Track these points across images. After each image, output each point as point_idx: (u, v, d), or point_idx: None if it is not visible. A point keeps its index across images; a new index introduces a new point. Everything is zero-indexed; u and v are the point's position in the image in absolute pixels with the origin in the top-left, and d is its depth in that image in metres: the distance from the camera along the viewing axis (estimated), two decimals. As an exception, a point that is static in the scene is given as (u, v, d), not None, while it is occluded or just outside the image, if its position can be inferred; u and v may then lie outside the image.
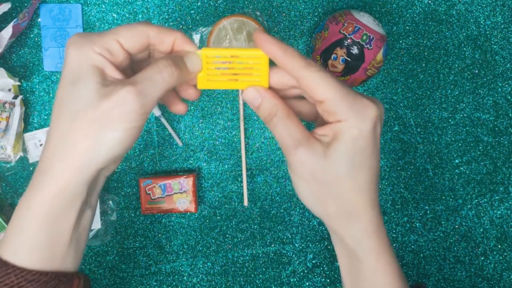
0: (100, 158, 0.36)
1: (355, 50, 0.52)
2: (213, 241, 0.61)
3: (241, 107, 0.59)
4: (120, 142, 0.36)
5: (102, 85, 0.35)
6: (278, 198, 0.61)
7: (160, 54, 0.40)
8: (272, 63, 0.40)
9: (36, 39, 0.59)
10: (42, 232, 0.37)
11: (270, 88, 0.40)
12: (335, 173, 0.37)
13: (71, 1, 0.59)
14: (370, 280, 0.40)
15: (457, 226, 0.62)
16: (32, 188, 0.37)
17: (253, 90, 0.39)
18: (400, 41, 0.60)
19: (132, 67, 0.40)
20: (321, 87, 0.36)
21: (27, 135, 0.59)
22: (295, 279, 0.62)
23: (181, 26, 0.59)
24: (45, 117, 0.60)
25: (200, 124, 0.60)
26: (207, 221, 0.61)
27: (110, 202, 0.60)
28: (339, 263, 0.42)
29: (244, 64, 0.40)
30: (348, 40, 0.52)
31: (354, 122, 0.36)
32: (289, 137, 0.37)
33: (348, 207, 0.38)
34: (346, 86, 0.37)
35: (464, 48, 0.61)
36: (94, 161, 0.36)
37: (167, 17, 0.59)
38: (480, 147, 0.61)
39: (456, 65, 0.61)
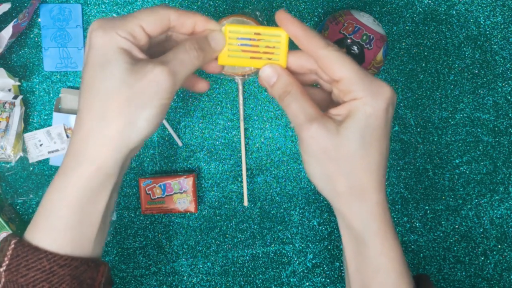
0: (135, 137, 0.36)
1: (355, 50, 0.52)
2: (213, 241, 0.61)
3: (241, 107, 0.59)
4: (152, 120, 0.37)
5: (133, 65, 0.36)
6: (278, 198, 0.61)
7: (180, 35, 0.41)
8: (292, 47, 0.41)
9: (36, 39, 0.59)
10: (74, 216, 0.37)
11: (288, 69, 0.41)
12: (347, 150, 0.37)
13: (71, 1, 0.59)
14: (374, 263, 0.40)
15: (457, 226, 0.62)
16: (65, 171, 0.37)
17: (270, 68, 0.40)
18: (400, 41, 0.60)
19: (150, 49, 0.40)
20: (339, 66, 0.37)
21: (27, 135, 0.59)
22: (295, 279, 0.62)
23: (181, 26, 0.60)
24: (45, 117, 0.60)
25: (200, 124, 0.60)
26: (207, 221, 0.61)
27: (110, 202, 0.60)
28: (344, 247, 0.41)
29: (265, 42, 0.41)
30: (348, 40, 0.52)
31: (369, 100, 0.37)
32: (303, 114, 0.38)
33: (358, 185, 0.38)
34: (362, 68, 0.38)
35: (464, 48, 0.61)
36: (130, 140, 0.36)
37: (167, 17, 0.59)
38: (480, 147, 0.61)
39: (456, 65, 0.61)
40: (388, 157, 0.40)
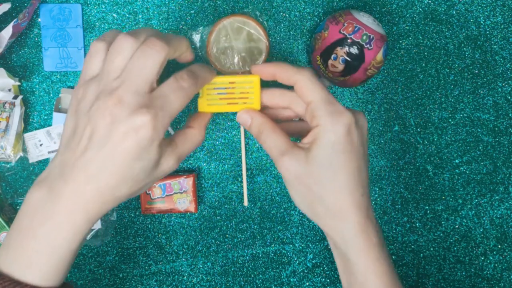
0: (123, 199, 0.41)
1: (355, 50, 0.52)
2: (213, 241, 0.61)
3: (241, 107, 0.59)
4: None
5: (159, 158, 0.40)
6: (278, 198, 0.61)
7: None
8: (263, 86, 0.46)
9: (36, 39, 0.59)
10: (55, 256, 0.39)
11: (265, 108, 0.46)
12: (317, 175, 0.41)
13: (71, 1, 0.59)
14: (361, 279, 0.42)
15: (457, 226, 0.62)
16: (54, 213, 0.39)
17: (244, 113, 0.45)
18: (400, 41, 0.60)
19: None
20: (309, 89, 0.41)
21: (27, 135, 0.59)
22: (295, 279, 0.62)
23: (181, 26, 0.60)
24: (45, 117, 0.60)
25: (200, 124, 0.60)
26: (207, 221, 0.61)
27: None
28: (336, 264, 0.44)
29: (239, 89, 0.46)
30: (348, 40, 0.52)
31: (329, 127, 0.40)
32: (275, 148, 0.42)
33: (332, 208, 0.41)
34: (330, 94, 0.42)
35: (464, 48, 0.61)
36: (120, 201, 0.41)
37: (167, 17, 0.59)
38: (480, 147, 0.61)
39: (456, 65, 0.61)
40: (366, 175, 0.42)
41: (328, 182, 0.41)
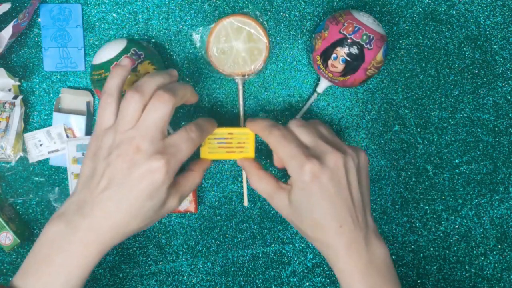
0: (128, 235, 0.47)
1: (355, 50, 0.52)
2: (213, 241, 0.61)
3: (241, 107, 0.59)
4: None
5: (167, 198, 0.46)
6: (278, 198, 0.61)
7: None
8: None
9: (36, 39, 0.59)
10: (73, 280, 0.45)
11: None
12: (297, 214, 0.48)
13: (71, 1, 0.59)
14: None
15: (457, 226, 0.62)
16: (70, 250, 0.44)
17: (239, 162, 0.54)
18: (400, 41, 0.60)
19: None
20: (278, 149, 0.49)
21: (27, 135, 0.59)
22: (295, 279, 0.62)
23: (181, 26, 0.60)
24: (45, 117, 0.60)
25: (200, 124, 0.60)
26: (207, 221, 0.61)
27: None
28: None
29: (237, 139, 0.53)
30: (348, 40, 0.52)
31: (296, 177, 0.47)
32: (264, 192, 0.51)
33: (314, 239, 0.49)
34: (296, 146, 0.48)
35: (464, 48, 0.61)
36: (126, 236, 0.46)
37: (167, 17, 0.59)
38: (480, 147, 0.61)
39: (456, 65, 0.61)
40: (345, 207, 0.47)
41: (306, 220, 0.48)
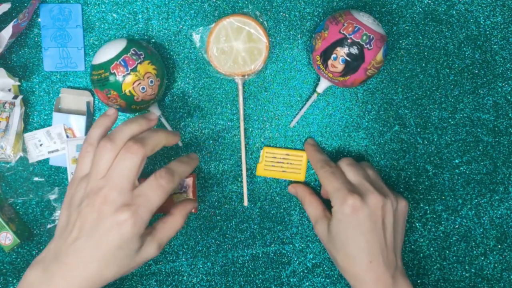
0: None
1: (355, 50, 0.52)
2: (213, 241, 0.61)
3: (241, 107, 0.59)
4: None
5: (140, 247, 0.46)
6: (278, 198, 0.61)
7: None
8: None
9: (36, 39, 0.59)
10: None
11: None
12: (333, 243, 0.53)
13: (71, 1, 0.59)
14: None
15: (457, 226, 0.62)
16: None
17: (291, 188, 0.60)
18: (400, 41, 0.60)
19: None
20: (326, 183, 0.54)
21: (27, 135, 0.59)
22: (295, 279, 0.62)
23: (181, 26, 0.60)
24: (45, 117, 0.60)
25: (200, 124, 0.60)
26: (207, 221, 0.61)
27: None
28: None
29: (291, 160, 0.59)
30: (348, 40, 0.52)
31: (338, 208, 0.51)
32: (311, 216, 0.56)
33: (347, 269, 0.52)
34: (343, 183, 0.52)
35: (464, 48, 0.61)
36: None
37: (167, 17, 0.59)
38: (480, 147, 0.61)
39: (456, 65, 0.61)
40: (377, 244, 0.51)
41: (339, 250, 0.52)
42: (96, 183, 0.45)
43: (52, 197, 0.60)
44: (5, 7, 0.55)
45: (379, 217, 0.51)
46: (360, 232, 0.51)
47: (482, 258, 0.62)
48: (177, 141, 0.50)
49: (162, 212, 0.59)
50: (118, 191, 0.44)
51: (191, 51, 0.60)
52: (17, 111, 0.57)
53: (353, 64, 0.52)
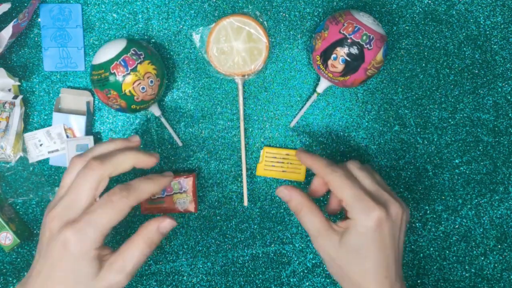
0: None
1: (355, 50, 0.52)
2: (213, 241, 0.61)
3: (241, 107, 0.59)
4: None
5: (99, 270, 0.42)
6: (278, 198, 0.61)
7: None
8: None
9: (36, 39, 0.59)
10: None
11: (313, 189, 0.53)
12: (347, 258, 0.47)
13: (71, 1, 0.59)
14: None
15: (457, 226, 0.62)
16: None
17: (284, 189, 0.51)
18: (400, 41, 0.60)
19: None
20: (340, 189, 0.47)
21: (27, 135, 0.59)
22: (295, 279, 0.62)
23: (181, 26, 0.60)
24: (45, 117, 0.60)
25: (200, 124, 0.60)
26: (207, 221, 0.61)
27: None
28: None
29: (291, 161, 0.59)
30: (348, 40, 0.52)
31: (360, 221, 0.46)
32: (312, 228, 0.48)
33: (358, 282, 0.47)
34: (361, 189, 0.47)
35: (464, 48, 0.61)
36: None
37: (167, 17, 0.59)
38: (480, 147, 0.61)
39: (456, 65, 0.61)
40: (393, 260, 0.47)
41: (356, 265, 0.47)
42: (56, 199, 0.44)
43: (52, 197, 0.60)
44: (5, 7, 0.55)
45: (397, 230, 0.48)
46: (382, 246, 0.47)
47: (482, 258, 0.62)
48: (153, 163, 0.47)
49: (162, 212, 0.59)
50: (68, 207, 0.42)
51: (191, 51, 0.60)
52: (17, 111, 0.57)
53: (353, 64, 0.52)
